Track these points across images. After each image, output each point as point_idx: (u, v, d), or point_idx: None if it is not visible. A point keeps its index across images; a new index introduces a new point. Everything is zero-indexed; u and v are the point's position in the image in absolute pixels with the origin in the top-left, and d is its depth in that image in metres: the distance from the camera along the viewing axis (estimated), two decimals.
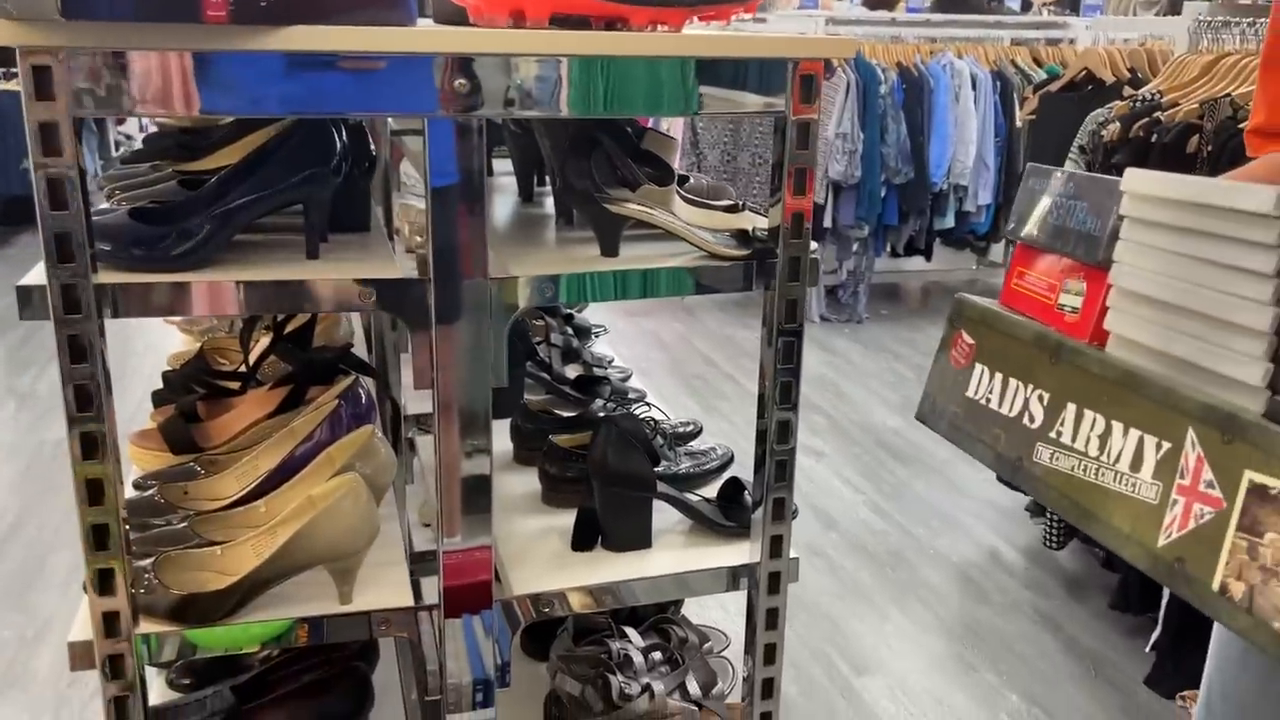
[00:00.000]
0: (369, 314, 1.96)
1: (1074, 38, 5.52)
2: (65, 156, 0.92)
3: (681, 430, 1.65)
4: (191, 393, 1.59)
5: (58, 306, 0.96)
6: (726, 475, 1.46)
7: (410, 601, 1.19)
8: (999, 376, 0.81)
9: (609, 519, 1.32)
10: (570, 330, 1.96)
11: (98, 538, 1.02)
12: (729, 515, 1.37)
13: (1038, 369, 0.77)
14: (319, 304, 1.06)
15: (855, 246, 5.09)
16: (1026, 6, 6.58)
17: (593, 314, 2.16)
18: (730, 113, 1.13)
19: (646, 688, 1.45)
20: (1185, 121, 2.38)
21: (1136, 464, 0.68)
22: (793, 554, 1.29)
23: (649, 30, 1.11)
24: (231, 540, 1.20)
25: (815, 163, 1.15)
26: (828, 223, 4.90)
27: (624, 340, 4.69)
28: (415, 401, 1.75)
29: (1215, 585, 0.61)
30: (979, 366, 0.83)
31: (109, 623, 1.05)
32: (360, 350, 2.01)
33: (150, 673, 1.55)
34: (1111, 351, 0.74)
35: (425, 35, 1.00)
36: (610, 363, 1.94)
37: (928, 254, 5.36)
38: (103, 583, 1.04)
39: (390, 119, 1.53)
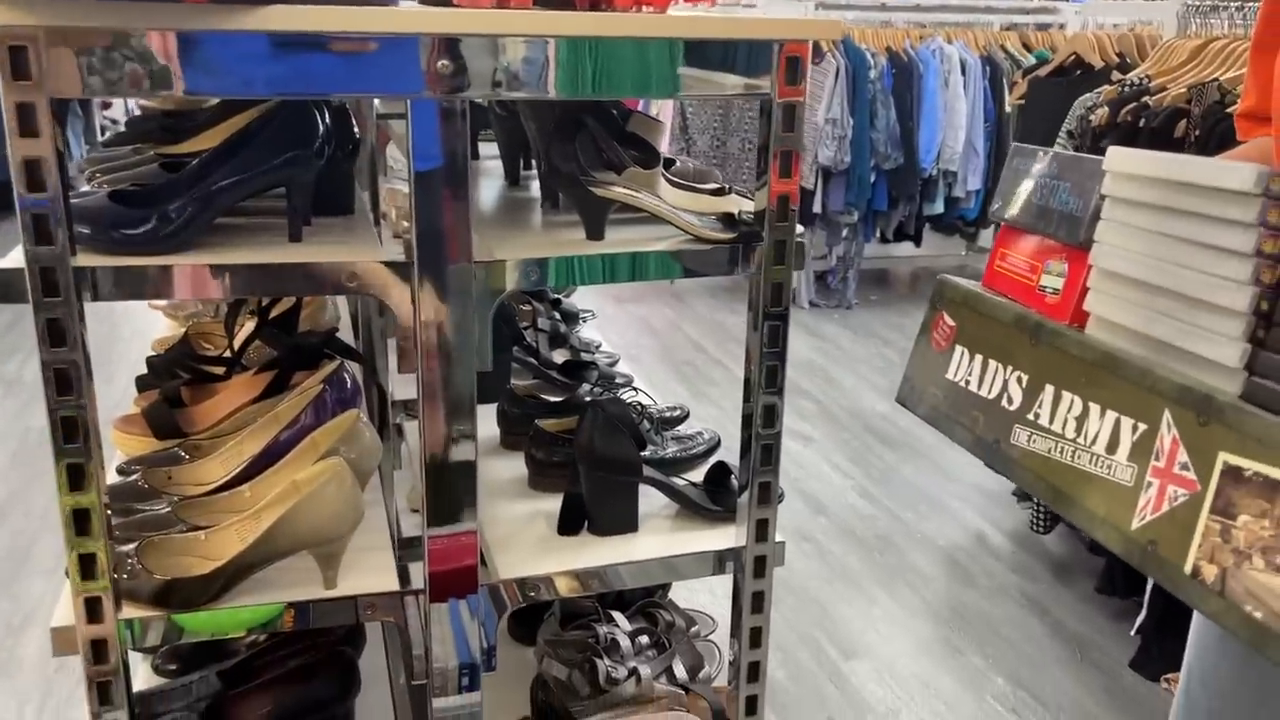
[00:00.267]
0: (356, 299, 1.96)
1: (1064, 22, 5.51)
2: (42, 138, 0.91)
3: (669, 415, 1.65)
4: (176, 378, 1.58)
5: (36, 289, 0.95)
6: (713, 460, 1.46)
7: (395, 586, 1.18)
8: (979, 358, 0.80)
9: (595, 503, 1.31)
10: (558, 315, 1.95)
11: (79, 523, 1.02)
12: (715, 499, 1.37)
13: (1017, 351, 0.77)
14: (301, 287, 1.05)
15: (845, 232, 5.09)
16: None
17: (581, 299, 2.15)
18: (716, 95, 1.12)
19: (633, 671, 1.45)
20: (1173, 106, 2.38)
21: (1113, 446, 0.67)
22: (779, 538, 1.29)
23: (634, 11, 1.10)
24: (215, 525, 1.19)
25: (801, 146, 1.15)
26: (817, 208, 4.89)
27: (614, 326, 4.69)
28: (402, 386, 1.74)
29: (1188, 568, 0.60)
30: (959, 349, 0.83)
31: (91, 608, 1.05)
32: (347, 336, 2.00)
33: (135, 658, 1.54)
34: (1091, 333, 0.73)
35: (409, 15, 0.99)
36: (598, 348, 1.94)
37: (917, 239, 5.36)
38: (84, 568, 1.03)
39: (377, 101, 1.52)
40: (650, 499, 1.36)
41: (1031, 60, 4.92)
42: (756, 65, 1.11)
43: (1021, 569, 2.77)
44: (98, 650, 1.06)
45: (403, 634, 1.20)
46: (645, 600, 1.63)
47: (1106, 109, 2.51)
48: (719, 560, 1.29)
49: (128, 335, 3.81)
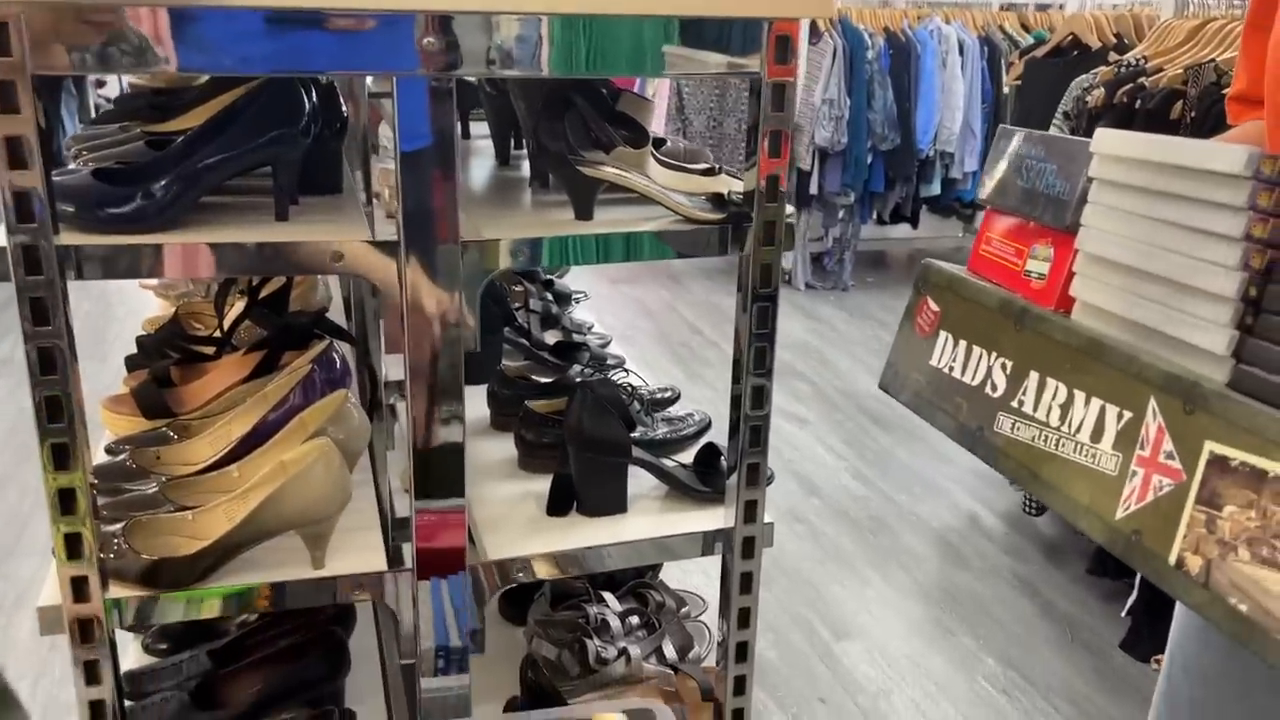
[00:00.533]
0: (348, 279, 1.95)
1: (1062, 2, 5.49)
2: (23, 114, 0.91)
3: (659, 396, 1.65)
4: (165, 357, 1.58)
5: (18, 268, 0.94)
6: (704, 441, 1.46)
7: (383, 566, 1.18)
8: (963, 344, 0.79)
9: (584, 484, 1.31)
10: (550, 296, 1.95)
11: (64, 502, 1.01)
12: (705, 481, 1.37)
13: (1001, 336, 0.76)
14: (286, 267, 1.05)
15: (841, 214, 5.07)
16: None
17: (576, 280, 2.15)
18: (706, 74, 1.11)
19: (623, 651, 1.45)
20: (1169, 87, 2.37)
21: (1097, 434, 0.66)
22: (769, 519, 1.29)
23: None
24: (203, 505, 1.19)
25: (790, 125, 1.14)
26: (814, 189, 4.88)
27: (609, 307, 4.68)
28: (395, 367, 1.74)
29: (1172, 559, 0.59)
30: (943, 334, 0.82)
31: (77, 587, 1.05)
32: (340, 316, 2.00)
33: (126, 637, 1.55)
34: (1077, 319, 0.72)
35: None
36: (590, 329, 1.93)
37: (914, 221, 5.35)
38: (70, 547, 1.03)
39: (369, 80, 1.51)
40: (640, 480, 1.36)
41: (1030, 41, 4.89)
42: (747, 44, 1.10)
43: (1013, 550, 2.78)
44: (84, 629, 1.06)
45: (393, 614, 1.20)
46: (636, 581, 1.63)
47: (1103, 90, 2.50)
48: (707, 541, 1.29)
49: (122, 315, 3.80)
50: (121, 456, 1.31)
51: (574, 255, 1.16)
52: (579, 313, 2.02)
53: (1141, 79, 2.45)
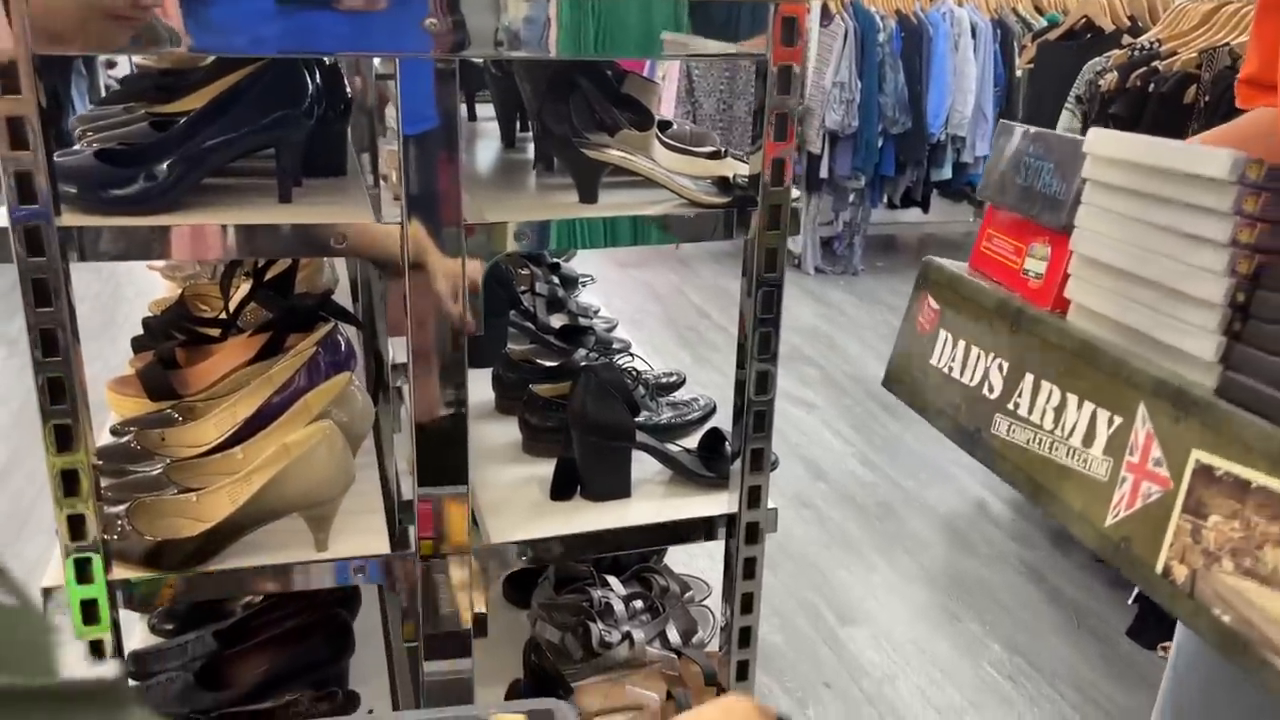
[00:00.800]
0: (355, 261, 1.95)
1: None
2: (24, 94, 0.90)
3: (664, 380, 1.64)
4: (171, 339, 1.58)
5: (20, 249, 0.94)
6: (708, 426, 1.46)
7: (386, 549, 1.18)
8: (961, 344, 0.78)
9: (588, 469, 1.31)
10: (556, 280, 1.94)
11: (67, 483, 1.01)
12: (709, 466, 1.36)
13: (998, 337, 0.74)
14: (289, 248, 1.05)
15: (851, 197, 5.05)
16: None
17: (584, 264, 2.14)
18: (711, 56, 1.10)
19: (626, 635, 1.45)
20: (1183, 71, 2.34)
21: (1089, 439, 0.65)
22: (774, 504, 1.29)
23: None
24: (207, 487, 1.19)
25: (797, 109, 1.13)
26: (824, 173, 4.86)
27: (618, 291, 4.67)
28: (401, 350, 1.74)
29: (1159, 568, 0.58)
30: (943, 333, 0.81)
31: (80, 568, 1.05)
32: (346, 299, 2.00)
33: (132, 618, 1.55)
34: (1072, 320, 0.71)
35: None
36: (596, 312, 1.93)
37: (925, 205, 5.32)
38: (73, 528, 1.03)
39: (376, 61, 1.50)
40: (644, 465, 1.36)
41: (1043, 23, 4.85)
42: (753, 25, 1.09)
43: (1021, 537, 2.77)
44: (87, 610, 1.07)
45: (403, 596, 1.20)
46: (640, 565, 1.63)
47: (1116, 74, 2.47)
48: (711, 526, 1.29)
49: (131, 296, 3.81)
50: (126, 438, 1.31)
51: (581, 239, 1.15)
52: (585, 296, 2.01)
53: (1155, 63, 2.42)
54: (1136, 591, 2.27)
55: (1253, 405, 0.55)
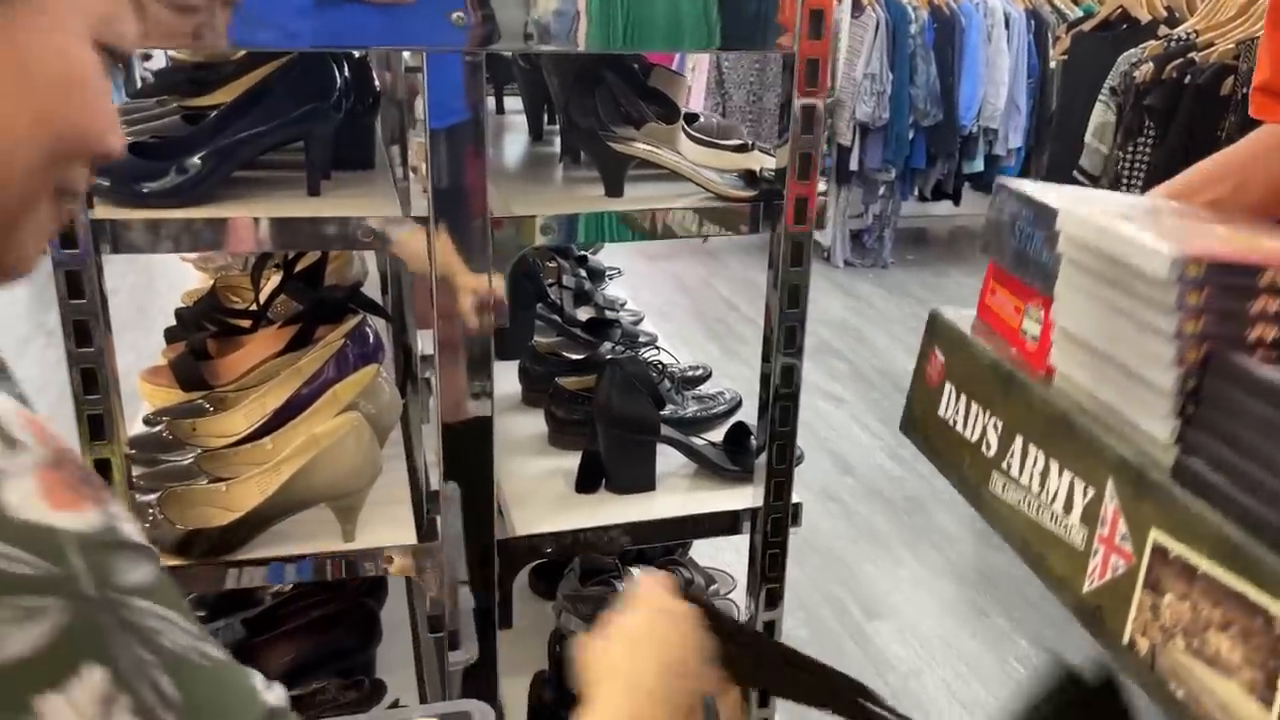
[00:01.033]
0: (383, 254, 1.96)
1: None
2: None
3: (690, 374, 1.64)
4: (203, 330, 1.60)
5: (53, 241, 0.95)
6: (734, 420, 1.46)
7: (413, 540, 1.19)
8: (964, 399, 0.79)
9: (613, 461, 1.31)
10: (583, 273, 1.95)
11: (101, 472, 1.03)
12: (734, 459, 1.36)
13: (994, 396, 0.75)
14: (317, 242, 1.06)
15: (881, 190, 5.01)
16: None
17: (611, 256, 2.14)
18: (739, 48, 1.10)
19: None
20: (1220, 63, 2.31)
21: (1068, 506, 0.66)
22: (800, 498, 1.29)
23: None
24: (237, 477, 1.21)
25: (825, 101, 1.13)
26: (854, 165, 4.82)
27: (647, 283, 4.67)
28: (429, 342, 1.75)
29: (1125, 639, 0.59)
30: (948, 386, 0.81)
31: None
32: (376, 291, 2.01)
33: None
34: (1057, 387, 0.72)
35: None
36: (623, 305, 1.93)
37: (956, 198, 5.27)
38: None
39: (405, 55, 1.51)
40: (669, 458, 1.36)
41: (1078, 14, 4.78)
42: (781, 18, 1.08)
43: None
44: None
45: (430, 586, 1.21)
46: (665, 558, 1.63)
47: (1151, 65, 2.44)
48: (735, 520, 1.29)
49: (164, 288, 3.86)
50: (159, 428, 1.33)
51: (608, 232, 1.16)
52: (612, 289, 2.01)
53: (1191, 54, 2.38)
54: None
55: (1202, 490, 0.56)
